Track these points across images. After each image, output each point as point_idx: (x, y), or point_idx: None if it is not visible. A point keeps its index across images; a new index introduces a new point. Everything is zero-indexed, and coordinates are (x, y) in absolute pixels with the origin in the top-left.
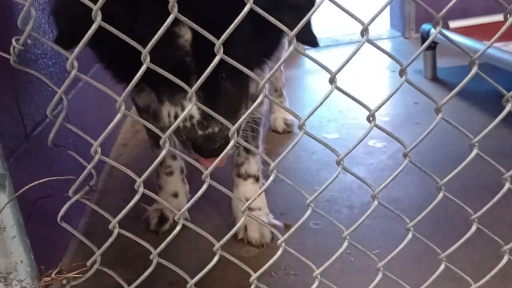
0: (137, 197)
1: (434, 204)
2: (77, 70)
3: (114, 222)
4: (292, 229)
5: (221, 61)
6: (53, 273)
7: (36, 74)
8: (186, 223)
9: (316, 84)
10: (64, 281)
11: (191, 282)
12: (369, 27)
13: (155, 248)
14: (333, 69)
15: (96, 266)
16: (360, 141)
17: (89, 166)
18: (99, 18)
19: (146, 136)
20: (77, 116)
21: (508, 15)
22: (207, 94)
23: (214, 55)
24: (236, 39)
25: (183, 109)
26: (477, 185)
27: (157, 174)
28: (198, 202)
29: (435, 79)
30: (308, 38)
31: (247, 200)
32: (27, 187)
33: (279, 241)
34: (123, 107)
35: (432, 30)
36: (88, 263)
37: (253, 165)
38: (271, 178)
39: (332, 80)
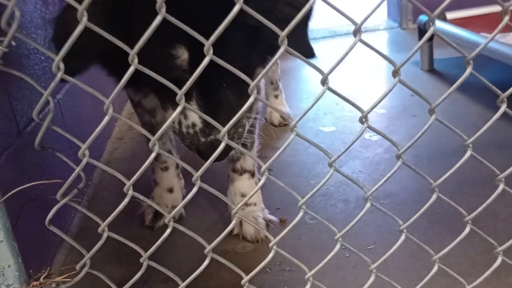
0: (126, 200)
1: (427, 206)
2: (63, 72)
3: (103, 225)
4: (285, 231)
5: (221, 70)
6: (42, 277)
7: (23, 76)
8: (177, 225)
9: (313, 76)
10: (54, 285)
11: (182, 284)
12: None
13: (150, 245)
14: (328, 62)
15: (86, 269)
16: (352, 144)
17: (77, 169)
18: (84, 18)
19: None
20: (71, 111)
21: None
22: (209, 103)
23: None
24: (231, 43)
25: (185, 116)
26: (472, 180)
27: (152, 170)
28: (194, 197)
29: (432, 70)
30: (303, 48)
31: (242, 195)
32: (13, 191)
33: (270, 244)
34: (111, 110)
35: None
36: (78, 266)
37: (248, 160)
38: (262, 180)
39: (324, 82)
